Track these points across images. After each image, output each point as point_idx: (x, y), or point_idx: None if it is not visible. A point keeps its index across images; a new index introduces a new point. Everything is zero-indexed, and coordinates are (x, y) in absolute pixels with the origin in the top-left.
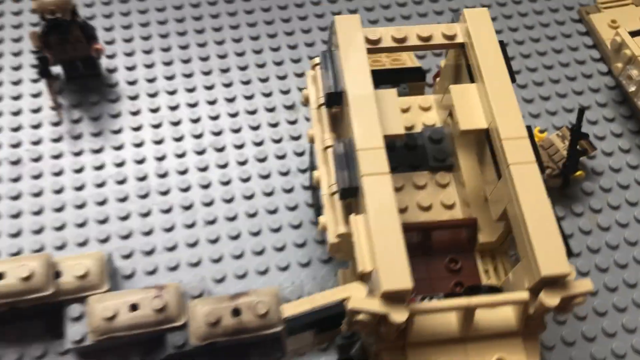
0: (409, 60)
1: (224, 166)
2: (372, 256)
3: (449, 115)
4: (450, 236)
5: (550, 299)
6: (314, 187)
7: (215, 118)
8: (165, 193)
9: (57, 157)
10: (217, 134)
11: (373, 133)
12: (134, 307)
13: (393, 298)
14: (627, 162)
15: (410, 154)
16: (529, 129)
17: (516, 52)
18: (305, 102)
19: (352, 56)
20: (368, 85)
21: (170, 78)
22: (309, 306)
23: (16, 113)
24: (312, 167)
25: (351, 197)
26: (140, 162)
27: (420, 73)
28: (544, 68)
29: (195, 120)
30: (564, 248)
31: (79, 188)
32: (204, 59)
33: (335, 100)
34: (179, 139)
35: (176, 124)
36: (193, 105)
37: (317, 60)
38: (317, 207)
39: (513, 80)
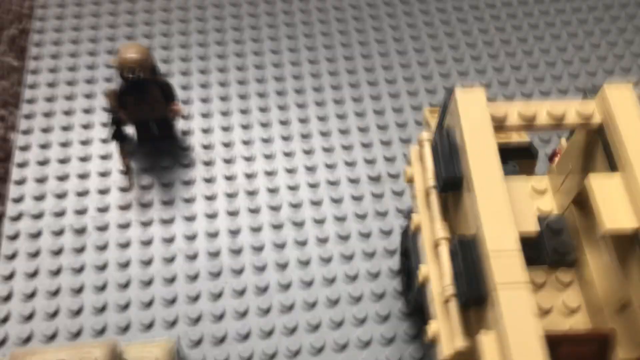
0: (515, 134)
1: (303, 243)
2: None
3: (573, 204)
4: (578, 351)
5: None
6: (408, 279)
7: (294, 188)
8: (239, 272)
9: (124, 226)
10: (296, 206)
11: (507, 231)
12: None
13: None
14: None
15: (525, 246)
16: None
17: None
18: (409, 181)
19: (478, 135)
20: (497, 171)
21: (247, 143)
22: None
23: (83, 176)
24: (405, 250)
25: (475, 306)
26: (214, 235)
27: (531, 150)
28: None
29: (273, 190)
30: None
31: (146, 263)
32: (284, 122)
33: (453, 185)
34: (255, 211)
35: (252, 193)
36: (270, 174)
37: (425, 135)
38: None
39: None
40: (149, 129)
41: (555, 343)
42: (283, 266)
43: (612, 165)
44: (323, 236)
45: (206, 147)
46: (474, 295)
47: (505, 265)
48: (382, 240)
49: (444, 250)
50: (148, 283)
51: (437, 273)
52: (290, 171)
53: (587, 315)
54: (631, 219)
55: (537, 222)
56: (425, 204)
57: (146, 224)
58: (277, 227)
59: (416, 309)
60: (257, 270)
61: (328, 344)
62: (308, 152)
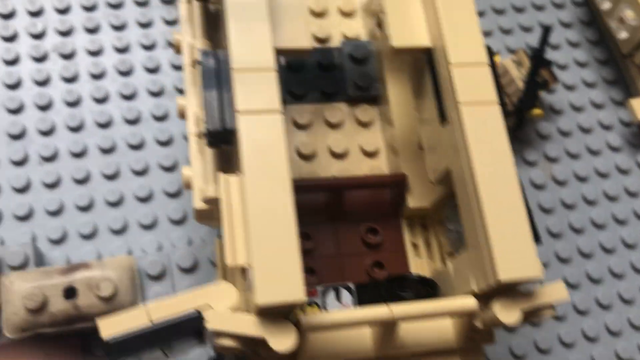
0: None
1: (71, 80)
2: (247, 245)
3: (377, 26)
4: (369, 197)
5: (509, 314)
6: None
7: (63, 12)
8: None
9: None
10: (65, 34)
11: (260, 45)
12: None
13: (275, 312)
14: (590, 99)
15: (323, 78)
16: (489, 50)
17: None
18: None
19: None
20: None
21: None
22: (145, 319)
23: None
24: None
25: (225, 143)
26: None
27: None
28: None
29: (35, 14)
30: (532, 240)
31: None
32: None
33: None
34: (10, 39)
35: (6, 17)
36: None
37: None
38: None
39: None
40: None
41: (343, 188)
42: (44, 107)
43: None
44: (98, 70)
45: None
46: (215, 127)
47: (252, 88)
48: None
49: (199, 72)
50: None
51: (194, 103)
52: None
53: (385, 159)
54: (424, 37)
55: (309, 35)
56: (186, 17)
57: None
58: (39, 59)
59: None
60: (10, 113)
61: (98, 198)
62: None
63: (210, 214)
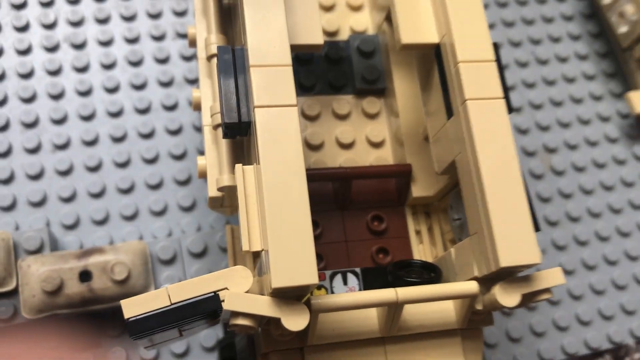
0: None
1: (82, 69)
2: (263, 231)
3: (385, 20)
4: (375, 186)
5: (508, 298)
6: None
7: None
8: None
9: None
10: (76, 24)
11: (276, 42)
12: None
13: (289, 294)
14: (589, 92)
15: (331, 70)
16: (495, 47)
17: None
18: None
19: None
20: None
21: None
22: (165, 300)
23: None
24: None
25: (240, 135)
26: None
27: None
28: None
29: (47, 4)
30: (532, 228)
31: None
32: None
33: None
34: (22, 29)
35: (20, 6)
36: None
37: None
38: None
39: None
40: None
41: (350, 178)
42: (57, 96)
43: None
44: (109, 60)
45: None
46: (232, 119)
47: (269, 83)
48: (183, 65)
49: (215, 66)
50: None
51: (210, 95)
52: None
53: (391, 150)
54: (432, 33)
55: (320, 32)
56: (201, 11)
57: None
58: (51, 49)
59: None
60: (23, 102)
61: (110, 185)
62: None
63: (223, 201)
